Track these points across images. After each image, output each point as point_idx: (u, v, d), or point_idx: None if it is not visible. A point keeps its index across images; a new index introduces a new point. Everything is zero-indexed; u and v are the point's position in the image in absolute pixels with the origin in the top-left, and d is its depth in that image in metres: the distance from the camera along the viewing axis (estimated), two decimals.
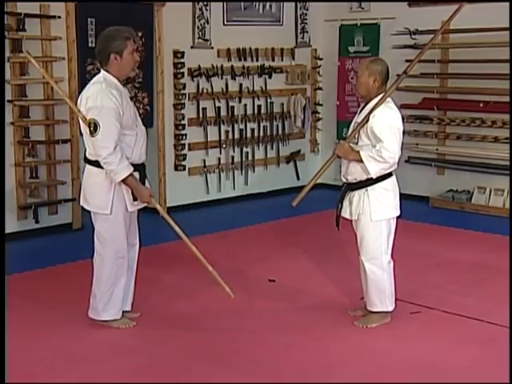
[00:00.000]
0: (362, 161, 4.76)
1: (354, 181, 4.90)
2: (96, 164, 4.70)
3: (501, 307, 5.28)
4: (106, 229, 4.82)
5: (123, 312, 5.02)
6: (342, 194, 5.02)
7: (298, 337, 4.86)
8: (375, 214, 4.87)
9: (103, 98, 4.56)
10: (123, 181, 4.64)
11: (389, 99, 4.89)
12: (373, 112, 4.79)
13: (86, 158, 4.82)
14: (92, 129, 4.56)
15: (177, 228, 4.83)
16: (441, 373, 4.32)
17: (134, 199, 4.77)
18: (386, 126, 4.77)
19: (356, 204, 4.90)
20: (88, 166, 4.81)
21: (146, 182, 4.88)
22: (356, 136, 4.87)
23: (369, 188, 4.87)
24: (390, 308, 5.05)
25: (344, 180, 4.99)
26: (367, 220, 4.88)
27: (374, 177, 4.80)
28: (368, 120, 4.79)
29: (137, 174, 4.73)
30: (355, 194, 4.91)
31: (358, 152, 4.79)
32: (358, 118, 4.90)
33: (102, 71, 4.73)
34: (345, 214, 5.00)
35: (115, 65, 4.68)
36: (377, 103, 4.82)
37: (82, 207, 4.98)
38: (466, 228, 7.74)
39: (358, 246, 5.02)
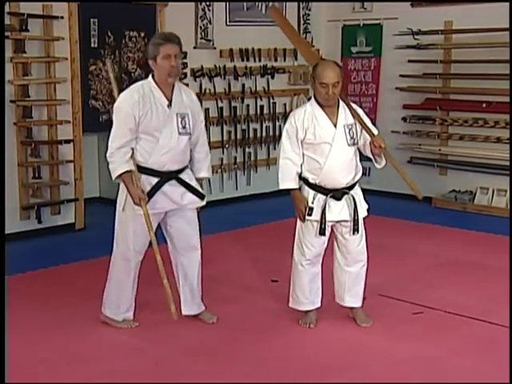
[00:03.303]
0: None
1: (352, 182, 4.86)
2: None
3: (502, 307, 5.28)
4: (117, 228, 4.89)
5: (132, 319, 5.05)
6: (325, 200, 4.83)
7: (299, 337, 4.86)
8: (365, 207, 4.94)
9: (123, 100, 4.68)
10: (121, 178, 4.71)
11: None
12: (353, 108, 4.84)
13: None
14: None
15: (152, 234, 4.76)
16: (442, 373, 4.32)
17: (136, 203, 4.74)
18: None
19: (351, 204, 4.84)
20: None
21: (169, 190, 4.79)
22: (356, 137, 4.82)
23: (357, 185, 4.91)
24: None
25: (338, 186, 4.81)
26: (363, 216, 4.91)
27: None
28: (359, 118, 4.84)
29: (153, 180, 4.73)
30: (350, 194, 4.85)
31: None
32: (346, 121, 4.79)
33: (150, 75, 4.79)
34: (341, 217, 4.86)
35: (154, 70, 4.71)
36: (346, 100, 4.85)
37: None
38: (468, 228, 7.73)
39: (353, 248, 4.95)
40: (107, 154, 4.71)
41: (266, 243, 7.19)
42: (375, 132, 4.86)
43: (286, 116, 9.40)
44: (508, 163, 8.26)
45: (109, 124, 7.72)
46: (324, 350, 4.65)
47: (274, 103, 9.33)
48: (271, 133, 9.38)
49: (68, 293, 5.66)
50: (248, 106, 9.07)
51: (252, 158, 9.22)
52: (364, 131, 4.83)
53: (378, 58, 9.28)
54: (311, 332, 4.94)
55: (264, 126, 9.30)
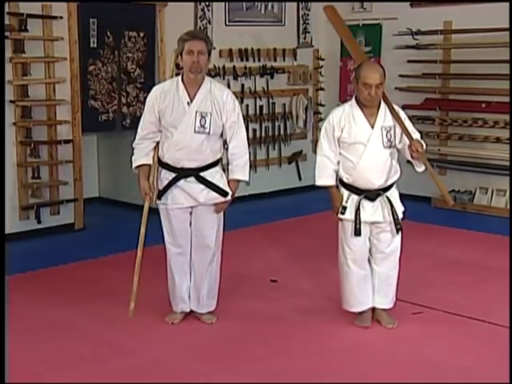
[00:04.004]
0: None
1: (387, 184, 4.84)
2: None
3: (502, 307, 5.28)
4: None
5: (189, 311, 5.13)
6: (359, 200, 4.82)
7: (299, 337, 4.85)
8: (401, 207, 4.96)
9: (150, 93, 4.88)
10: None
11: None
12: (395, 110, 4.82)
13: None
14: None
15: (142, 230, 4.90)
16: (442, 373, 4.32)
17: (159, 197, 4.89)
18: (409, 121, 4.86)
19: (386, 205, 4.84)
20: None
21: (186, 186, 4.84)
22: (394, 139, 4.79)
23: (393, 187, 4.91)
24: None
25: (371, 187, 4.79)
26: (401, 215, 4.93)
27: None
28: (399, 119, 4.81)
29: (171, 175, 4.82)
30: (385, 195, 4.84)
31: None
32: (384, 123, 4.76)
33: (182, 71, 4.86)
34: (375, 218, 4.85)
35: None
36: (388, 102, 4.82)
37: None
38: (467, 228, 7.71)
39: (382, 249, 4.96)
40: (133, 144, 4.92)
41: (265, 243, 7.16)
42: (417, 136, 4.84)
43: (285, 116, 9.43)
44: (507, 163, 8.23)
45: (108, 124, 7.82)
46: (324, 351, 4.64)
47: (274, 103, 9.30)
48: (270, 133, 9.36)
49: (67, 293, 5.65)
50: (247, 106, 9.03)
51: (251, 158, 9.13)
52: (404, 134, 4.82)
53: (377, 58, 9.25)
54: (311, 332, 4.93)
55: (263, 126, 9.28)
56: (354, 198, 4.83)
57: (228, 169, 5.04)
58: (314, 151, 9.74)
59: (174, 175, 4.82)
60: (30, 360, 4.46)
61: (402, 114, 4.86)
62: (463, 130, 8.65)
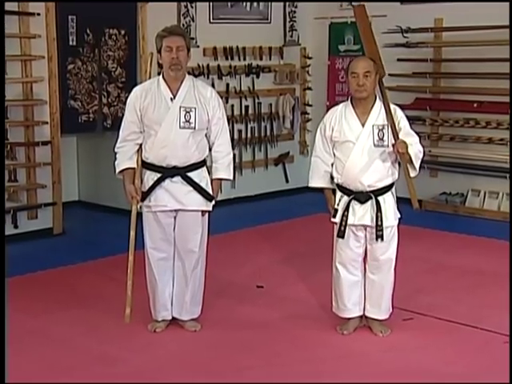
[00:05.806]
0: (410, 160, 4.69)
1: (378, 186, 4.71)
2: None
3: (494, 313, 5.25)
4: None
5: (171, 319, 5.02)
6: (348, 202, 4.73)
7: (286, 345, 4.79)
8: (396, 214, 4.83)
9: (130, 94, 4.85)
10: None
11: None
12: (390, 109, 4.74)
13: None
14: None
15: (132, 234, 4.83)
16: (434, 380, 4.28)
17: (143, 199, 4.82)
18: (407, 122, 4.78)
19: (377, 209, 4.70)
20: None
21: (172, 187, 4.76)
22: (387, 139, 4.67)
23: (389, 192, 4.78)
24: None
25: (360, 187, 4.69)
26: (394, 222, 4.80)
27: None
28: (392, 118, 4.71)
29: (156, 176, 4.75)
30: (375, 199, 4.70)
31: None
32: (376, 121, 4.68)
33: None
34: (363, 221, 4.73)
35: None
36: (386, 100, 4.76)
37: None
38: (459, 232, 7.64)
39: (376, 257, 4.84)
40: (115, 148, 4.85)
41: (251, 248, 7.09)
42: (415, 139, 4.76)
43: (271, 117, 9.36)
44: (500, 164, 8.17)
45: (88, 125, 7.69)
46: (313, 359, 4.58)
47: (260, 103, 9.20)
48: (256, 134, 9.26)
49: (46, 300, 5.58)
50: (232, 106, 8.91)
51: (237, 160, 9.04)
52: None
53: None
54: (299, 340, 4.87)
55: (249, 126, 9.17)
56: (345, 199, 4.76)
57: (212, 169, 5.00)
58: (302, 153, 9.78)
59: (159, 175, 4.76)
60: (10, 369, 4.23)
61: (399, 113, 4.81)
62: (454, 130, 8.57)
